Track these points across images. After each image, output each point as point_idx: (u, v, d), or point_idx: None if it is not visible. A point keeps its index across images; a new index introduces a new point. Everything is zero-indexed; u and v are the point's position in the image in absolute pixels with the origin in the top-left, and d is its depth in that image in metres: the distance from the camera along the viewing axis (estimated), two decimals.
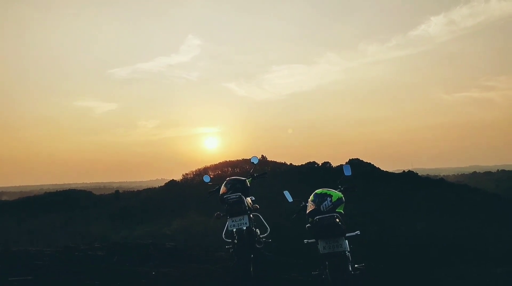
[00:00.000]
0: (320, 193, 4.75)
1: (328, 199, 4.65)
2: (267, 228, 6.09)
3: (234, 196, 5.34)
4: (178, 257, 6.51)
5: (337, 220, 4.41)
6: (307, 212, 4.84)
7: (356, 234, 5.11)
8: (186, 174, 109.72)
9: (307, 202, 5.02)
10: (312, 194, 4.83)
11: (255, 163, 6.36)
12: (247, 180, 5.92)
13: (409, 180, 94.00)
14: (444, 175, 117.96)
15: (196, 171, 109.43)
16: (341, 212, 4.64)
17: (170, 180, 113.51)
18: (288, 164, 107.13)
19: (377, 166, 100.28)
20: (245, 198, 5.50)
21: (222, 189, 5.78)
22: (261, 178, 6.33)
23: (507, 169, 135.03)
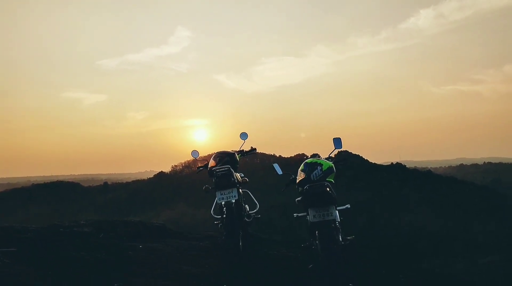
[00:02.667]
0: (311, 162, 4.69)
1: (319, 168, 4.59)
2: (257, 204, 6.02)
3: (223, 169, 5.26)
4: (167, 234, 6.41)
5: (328, 188, 4.35)
6: (297, 181, 4.78)
7: (346, 207, 5.06)
8: (175, 165, 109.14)
9: (297, 174, 4.96)
10: (302, 164, 4.76)
11: (244, 139, 6.24)
12: (236, 154, 5.83)
13: (397, 172, 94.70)
14: (431, 167, 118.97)
15: (185, 163, 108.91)
16: (331, 181, 4.59)
17: (159, 172, 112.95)
18: (277, 156, 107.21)
19: (365, 158, 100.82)
20: (234, 172, 5.41)
21: (211, 162, 5.70)
22: (250, 154, 6.25)
23: (493, 161, 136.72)
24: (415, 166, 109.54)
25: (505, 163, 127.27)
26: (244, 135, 6.21)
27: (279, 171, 5.23)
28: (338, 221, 4.56)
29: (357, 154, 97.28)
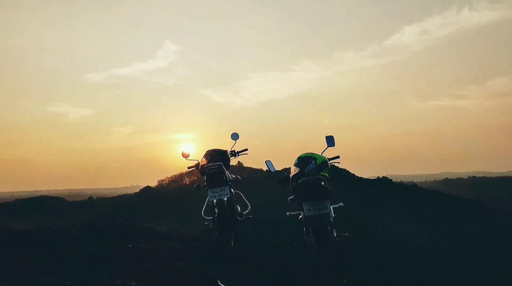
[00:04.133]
0: (304, 156, 4.65)
1: (313, 162, 4.56)
2: (248, 205, 5.95)
3: (215, 166, 5.18)
4: (157, 236, 6.29)
5: (323, 182, 4.30)
6: (291, 176, 4.73)
7: (340, 206, 5.02)
8: (162, 180, 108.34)
9: (290, 172, 4.90)
10: (296, 158, 4.72)
11: (235, 140, 6.16)
12: (227, 152, 5.76)
13: (383, 186, 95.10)
14: (417, 181, 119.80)
15: (171, 177, 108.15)
16: (326, 175, 4.54)
17: (145, 187, 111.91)
18: (265, 170, 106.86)
19: (352, 172, 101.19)
20: (226, 170, 5.33)
21: (202, 161, 5.62)
22: (242, 154, 6.18)
23: (478, 175, 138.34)
24: (401, 180, 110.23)
25: (490, 177, 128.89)
26: (235, 136, 6.14)
27: (272, 169, 5.17)
28: (332, 217, 4.51)
29: (343, 168, 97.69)
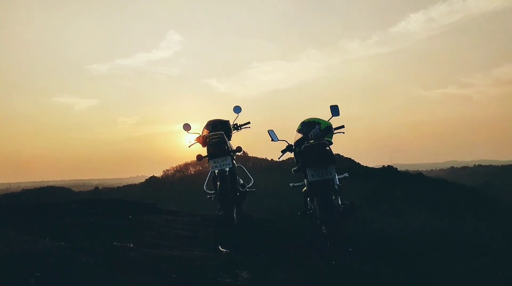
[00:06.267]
0: (308, 122, 4.51)
1: (317, 127, 4.42)
2: (251, 179, 5.84)
3: (216, 136, 5.05)
4: (158, 212, 6.19)
5: (327, 148, 4.17)
6: (294, 142, 4.60)
7: (345, 176, 4.89)
8: (167, 170, 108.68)
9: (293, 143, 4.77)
10: (299, 124, 4.58)
11: (237, 113, 6.00)
12: (229, 122, 5.63)
13: (388, 175, 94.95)
14: (423, 170, 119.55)
15: (176, 167, 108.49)
16: (330, 141, 4.41)
17: (151, 177, 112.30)
18: (269, 159, 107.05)
19: (357, 161, 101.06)
20: (228, 140, 5.22)
21: (203, 131, 5.50)
22: (244, 127, 6.04)
23: (483, 164, 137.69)
24: (406, 169, 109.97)
25: (495, 166, 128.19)
26: (237, 109, 5.98)
27: (275, 138, 5.02)
28: (337, 184, 4.38)
29: (348, 157, 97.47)
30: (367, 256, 4.37)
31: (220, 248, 3.62)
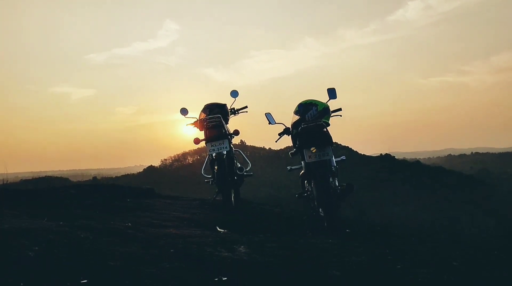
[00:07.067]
0: (305, 103, 4.51)
1: (314, 108, 4.41)
2: (249, 163, 5.85)
3: (214, 119, 5.05)
4: (156, 197, 6.21)
5: (324, 129, 4.17)
6: (291, 124, 4.60)
7: (342, 159, 4.90)
8: (165, 159, 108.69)
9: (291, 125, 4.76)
10: (296, 105, 4.57)
11: (235, 97, 5.97)
12: (226, 105, 5.62)
13: (386, 163, 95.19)
14: (420, 158, 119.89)
15: (174, 156, 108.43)
16: (327, 122, 4.41)
17: (149, 166, 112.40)
18: (267, 148, 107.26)
19: (354, 150, 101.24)
20: (225, 123, 5.22)
21: (200, 115, 5.49)
22: (242, 112, 6.03)
23: (481, 151, 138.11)
24: (404, 157, 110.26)
25: (493, 153, 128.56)
26: (234, 93, 5.95)
27: (272, 121, 5.00)
28: (334, 166, 4.39)
29: (346, 145, 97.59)
30: (364, 236, 4.40)
31: (218, 229, 3.65)
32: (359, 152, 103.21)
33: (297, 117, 4.47)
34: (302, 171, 4.60)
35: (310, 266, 2.15)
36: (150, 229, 2.95)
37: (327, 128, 4.27)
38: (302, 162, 4.42)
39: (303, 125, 4.18)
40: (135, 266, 1.87)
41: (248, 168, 5.71)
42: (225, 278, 1.81)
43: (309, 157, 4.14)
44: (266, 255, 2.31)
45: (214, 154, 5.01)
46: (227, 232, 3.42)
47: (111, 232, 2.59)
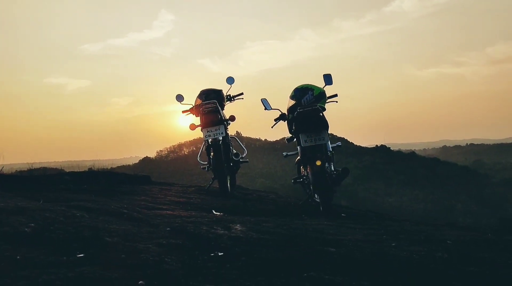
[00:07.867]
0: (301, 88, 4.51)
1: (310, 92, 4.42)
2: (244, 149, 5.85)
3: (210, 105, 5.04)
4: (152, 182, 6.22)
5: (320, 113, 4.19)
6: (287, 109, 4.60)
7: (338, 145, 4.91)
8: (160, 151, 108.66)
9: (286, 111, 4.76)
10: (292, 90, 4.57)
11: (230, 84, 5.95)
12: (222, 91, 5.61)
13: (381, 154, 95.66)
14: (416, 149, 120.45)
15: (170, 148, 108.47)
16: (323, 107, 4.42)
17: (144, 157, 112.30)
18: (263, 139, 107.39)
19: (350, 141, 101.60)
20: (221, 109, 5.21)
21: (196, 101, 5.48)
22: (238, 98, 6.02)
23: (476, 143, 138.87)
24: (399, 149, 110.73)
25: (487, 144, 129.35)
26: (230, 80, 5.93)
27: (268, 107, 5.00)
28: (330, 151, 4.41)
29: (341, 137, 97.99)
30: (360, 220, 4.43)
31: (214, 212, 3.66)
32: (355, 143, 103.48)
33: (293, 102, 4.47)
34: (298, 158, 4.62)
35: (306, 243, 2.16)
36: (146, 211, 2.95)
37: (323, 112, 4.29)
38: (298, 147, 4.43)
39: (299, 109, 4.19)
40: (131, 242, 1.88)
41: (244, 155, 5.71)
42: (221, 254, 1.82)
43: (305, 141, 4.15)
44: (262, 232, 2.32)
45: (210, 140, 5.01)
46: (223, 214, 3.43)
47: (107, 213, 2.60)
